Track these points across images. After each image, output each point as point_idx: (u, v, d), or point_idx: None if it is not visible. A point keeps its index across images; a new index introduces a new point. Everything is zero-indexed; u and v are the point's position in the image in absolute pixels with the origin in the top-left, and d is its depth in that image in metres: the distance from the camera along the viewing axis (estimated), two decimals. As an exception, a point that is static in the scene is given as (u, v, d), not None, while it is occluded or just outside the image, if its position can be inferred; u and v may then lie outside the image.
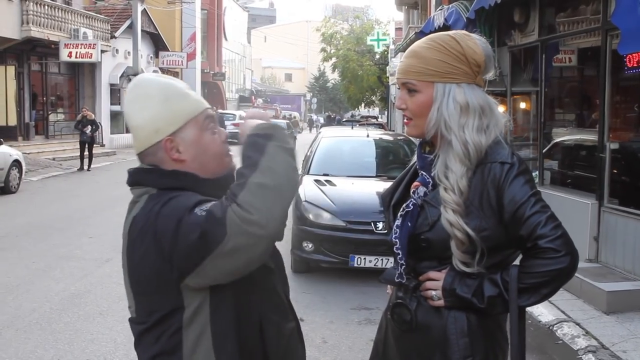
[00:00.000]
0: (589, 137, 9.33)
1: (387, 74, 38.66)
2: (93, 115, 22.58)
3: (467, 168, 2.19)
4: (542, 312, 7.04)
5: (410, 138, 12.50)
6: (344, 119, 50.17)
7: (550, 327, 6.63)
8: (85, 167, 21.55)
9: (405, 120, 2.35)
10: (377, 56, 43.43)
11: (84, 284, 7.92)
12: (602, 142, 7.99)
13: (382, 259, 7.88)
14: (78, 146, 21.91)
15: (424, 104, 2.26)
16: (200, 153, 1.97)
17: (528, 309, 6.81)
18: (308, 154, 10.52)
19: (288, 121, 40.42)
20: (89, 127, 21.42)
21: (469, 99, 2.23)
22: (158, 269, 1.84)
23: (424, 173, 2.34)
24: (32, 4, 24.08)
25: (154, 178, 1.97)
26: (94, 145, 22.54)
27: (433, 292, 2.26)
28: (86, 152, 21.59)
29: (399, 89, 2.35)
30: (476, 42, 2.28)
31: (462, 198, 2.17)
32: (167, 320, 1.90)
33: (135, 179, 2.01)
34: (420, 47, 2.28)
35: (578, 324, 6.54)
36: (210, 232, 1.71)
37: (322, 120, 58.40)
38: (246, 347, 1.93)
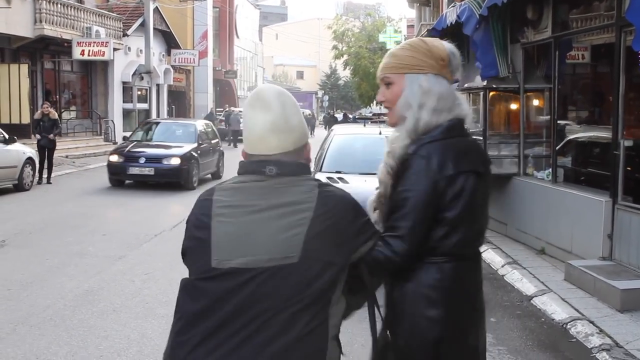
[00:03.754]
0: (602, 134, 9.27)
1: (399, 71, 38.56)
2: (56, 114, 19.10)
3: (410, 141, 2.53)
4: (555, 310, 7.02)
5: (423, 135, 12.53)
6: (351, 117, 50.18)
7: (564, 325, 6.61)
8: (44, 179, 17.25)
9: (387, 112, 2.69)
10: (389, 53, 43.29)
11: (97, 280, 7.95)
12: (616, 139, 7.94)
13: (394, 257, 7.84)
14: (89, 143, 21.69)
15: (398, 93, 2.62)
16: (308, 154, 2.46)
17: (541, 306, 6.74)
18: (320, 151, 10.51)
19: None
20: (53, 127, 17.72)
21: (432, 85, 2.56)
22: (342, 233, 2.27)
23: None
24: (45, 2, 24.17)
25: (307, 170, 2.39)
26: (55, 150, 18.14)
27: None
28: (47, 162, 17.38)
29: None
30: (442, 42, 2.68)
31: (396, 163, 2.55)
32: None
33: (297, 169, 2.33)
34: (396, 49, 2.70)
35: (592, 322, 6.51)
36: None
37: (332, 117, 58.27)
38: None
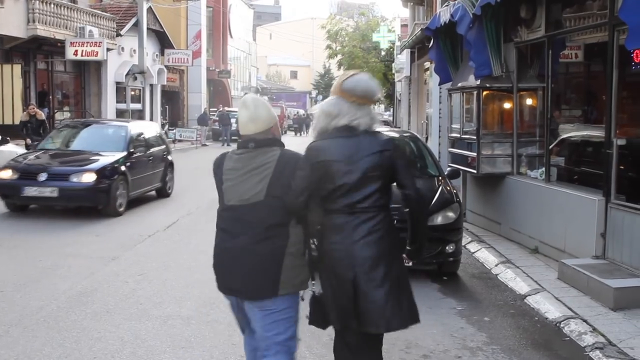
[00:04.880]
0: (595, 133, 9.30)
1: (393, 71, 38.57)
2: (43, 115, 18.92)
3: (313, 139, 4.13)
4: (549, 308, 7.04)
5: (417, 135, 12.52)
6: None
7: (557, 324, 6.63)
8: None
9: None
10: (383, 53, 43.38)
11: (90, 282, 7.93)
12: (609, 138, 7.96)
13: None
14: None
15: None
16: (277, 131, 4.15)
17: (535, 305, 6.80)
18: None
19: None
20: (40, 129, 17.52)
21: (324, 103, 4.14)
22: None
23: None
24: (38, 2, 24.09)
25: (277, 142, 4.04)
26: None
27: None
28: None
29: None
30: (346, 76, 4.15)
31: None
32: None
33: (267, 142, 4.00)
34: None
35: (585, 321, 6.53)
36: None
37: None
38: None
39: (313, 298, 4.16)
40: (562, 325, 6.56)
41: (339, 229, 3.91)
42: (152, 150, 15.01)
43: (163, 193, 15.52)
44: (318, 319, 4.19)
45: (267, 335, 4.00)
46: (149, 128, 16.26)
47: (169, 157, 16.03)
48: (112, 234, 10.89)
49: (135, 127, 14.95)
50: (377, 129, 4.10)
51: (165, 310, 6.91)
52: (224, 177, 4.04)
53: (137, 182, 13.73)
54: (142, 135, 14.90)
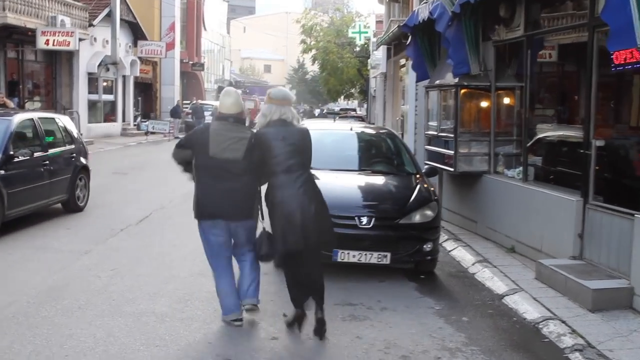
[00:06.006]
0: (573, 133, 9.30)
1: (369, 67, 38.53)
2: (12, 103, 18.57)
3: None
4: (527, 309, 7.01)
5: (393, 132, 12.46)
6: (317, 112, 49.68)
7: (536, 325, 6.60)
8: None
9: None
10: (358, 49, 43.31)
11: (62, 276, 7.75)
12: (587, 139, 7.95)
13: (365, 254, 7.79)
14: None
15: None
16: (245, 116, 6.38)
17: (513, 305, 6.80)
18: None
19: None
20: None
21: (262, 108, 6.31)
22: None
23: None
24: (9, -11, 23.68)
25: (244, 122, 6.30)
26: None
27: None
28: None
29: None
30: (271, 89, 6.53)
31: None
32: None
33: (241, 120, 6.23)
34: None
35: (564, 322, 6.50)
36: None
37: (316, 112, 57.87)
38: None
39: (264, 234, 6.19)
40: (540, 326, 6.52)
41: (284, 185, 5.98)
42: (51, 151, 11.53)
43: (71, 206, 12.08)
44: (268, 254, 6.19)
45: (246, 243, 6.29)
46: (51, 122, 12.49)
47: (83, 160, 12.77)
48: (85, 227, 10.71)
49: (23, 122, 11.21)
50: (298, 123, 6.36)
51: (138, 307, 6.74)
52: (210, 137, 6.05)
53: (20, 196, 10.31)
54: (35, 133, 11.39)
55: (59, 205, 11.89)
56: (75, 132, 13.24)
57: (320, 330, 6.04)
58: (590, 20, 7.93)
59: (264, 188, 6.19)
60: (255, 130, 6.17)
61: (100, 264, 8.39)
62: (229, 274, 6.30)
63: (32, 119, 11.60)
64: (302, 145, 6.11)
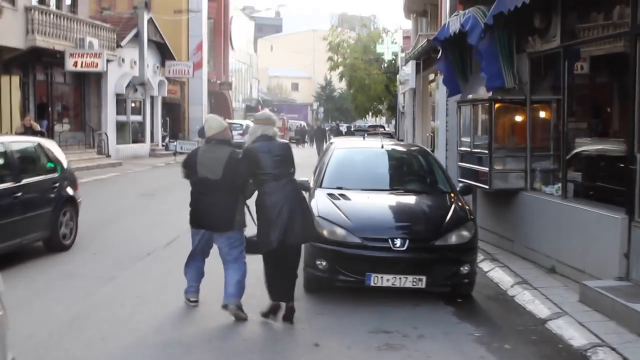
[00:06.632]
0: (614, 147, 8.90)
1: (397, 83, 38.21)
2: (38, 126, 19.78)
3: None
4: (573, 335, 6.61)
5: (426, 149, 12.12)
6: (343, 128, 49.10)
7: (584, 353, 6.19)
8: None
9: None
10: (385, 65, 43.05)
11: (85, 305, 7.50)
12: (632, 152, 7.55)
13: (400, 278, 7.46)
14: (81, 157, 21.06)
15: None
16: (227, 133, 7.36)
17: (558, 331, 6.29)
18: (320, 166, 10.10)
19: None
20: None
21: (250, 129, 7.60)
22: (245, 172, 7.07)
23: None
24: (37, 13, 23.82)
25: (227, 141, 7.25)
26: None
27: None
28: None
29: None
30: (257, 113, 7.88)
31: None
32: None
33: (222, 141, 7.17)
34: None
35: (614, 349, 6.10)
36: None
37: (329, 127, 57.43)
38: None
39: (247, 239, 7.22)
40: (589, 354, 6.11)
41: (273, 191, 6.86)
42: (26, 181, 9.84)
43: (53, 245, 10.33)
44: (250, 251, 7.18)
45: (229, 252, 7.10)
46: (29, 148, 10.83)
47: (70, 191, 10.97)
48: (110, 251, 10.46)
49: None
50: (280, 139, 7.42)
51: (164, 337, 6.48)
52: (198, 159, 7.11)
53: None
54: (5, 160, 9.71)
55: (83, 230, 11.62)
56: (62, 159, 11.25)
57: (290, 316, 6.95)
58: (633, 29, 7.57)
59: (254, 197, 7.12)
60: (245, 146, 7.20)
61: (126, 291, 8.14)
62: (198, 265, 7.47)
63: (2, 143, 10.01)
64: (285, 155, 7.10)
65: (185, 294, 7.52)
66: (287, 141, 7.80)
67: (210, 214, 6.99)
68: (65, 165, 11.21)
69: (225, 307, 6.98)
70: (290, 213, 6.78)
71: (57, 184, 10.62)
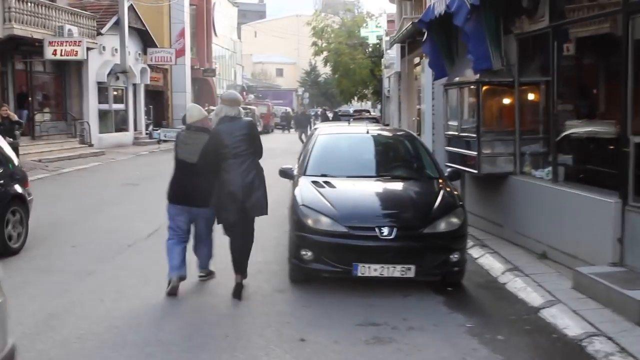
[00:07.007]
0: (606, 129, 8.67)
1: (382, 67, 37.89)
2: (15, 116, 19.57)
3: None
4: (567, 324, 6.40)
5: (412, 133, 11.86)
6: (330, 114, 48.75)
7: (579, 343, 5.97)
8: None
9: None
10: (370, 49, 42.71)
11: (62, 302, 7.21)
12: (625, 135, 7.33)
13: (388, 267, 7.22)
14: (63, 146, 20.68)
15: None
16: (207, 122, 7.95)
17: (551, 320, 5.98)
18: (303, 152, 9.83)
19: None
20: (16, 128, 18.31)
21: (216, 109, 7.87)
22: None
23: None
24: (14, 0, 23.31)
25: (208, 131, 7.65)
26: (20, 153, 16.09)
27: None
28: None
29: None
30: (223, 93, 8.80)
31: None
32: None
33: (201, 129, 7.71)
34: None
35: (610, 339, 5.89)
36: None
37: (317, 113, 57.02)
38: None
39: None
40: (585, 344, 5.89)
41: (230, 168, 7.25)
42: None
43: (3, 250, 9.17)
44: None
45: (204, 227, 7.80)
46: None
47: (17, 188, 9.87)
48: (90, 244, 10.14)
49: None
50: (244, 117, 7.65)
51: (143, 335, 6.19)
52: (178, 142, 7.73)
53: None
54: None
55: (63, 221, 11.32)
56: (8, 152, 10.18)
57: (239, 292, 7.30)
58: (624, 7, 7.33)
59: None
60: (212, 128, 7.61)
61: (105, 286, 7.84)
62: (180, 248, 7.69)
63: None
64: (247, 134, 7.37)
65: (170, 274, 7.57)
66: (250, 119, 8.01)
67: (189, 192, 7.51)
68: (15, 162, 10.33)
69: (202, 276, 8.00)
70: (244, 190, 7.22)
71: (0, 181, 9.52)
